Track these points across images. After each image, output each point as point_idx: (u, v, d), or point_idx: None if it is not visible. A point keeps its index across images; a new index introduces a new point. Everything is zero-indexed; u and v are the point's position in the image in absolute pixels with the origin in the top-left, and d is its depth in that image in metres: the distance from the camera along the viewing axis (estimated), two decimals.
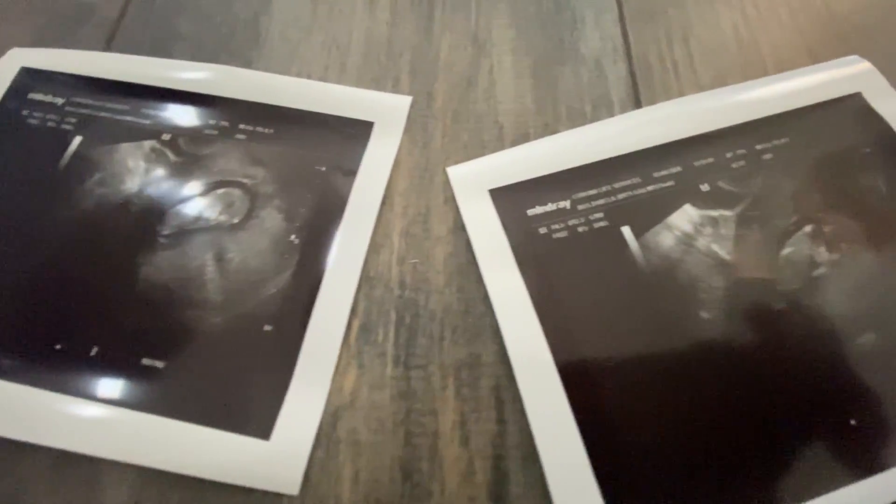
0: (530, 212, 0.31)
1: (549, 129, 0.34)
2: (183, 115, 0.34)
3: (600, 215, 0.30)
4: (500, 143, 0.33)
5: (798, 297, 0.28)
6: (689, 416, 0.26)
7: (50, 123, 0.33)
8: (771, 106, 0.34)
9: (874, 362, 0.26)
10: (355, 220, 0.30)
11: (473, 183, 0.32)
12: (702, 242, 0.30)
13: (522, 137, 0.34)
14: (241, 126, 0.33)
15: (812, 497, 0.24)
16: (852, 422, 0.25)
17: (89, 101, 0.34)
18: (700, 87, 0.35)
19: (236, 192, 0.31)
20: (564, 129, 0.34)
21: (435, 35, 0.38)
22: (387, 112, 0.34)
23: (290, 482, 0.24)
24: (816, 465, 0.25)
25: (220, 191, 0.31)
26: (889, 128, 0.33)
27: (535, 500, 0.24)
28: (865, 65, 0.36)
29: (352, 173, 0.32)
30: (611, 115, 0.34)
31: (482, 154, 0.33)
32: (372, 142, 0.33)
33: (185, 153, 0.33)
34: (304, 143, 0.33)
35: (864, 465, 0.24)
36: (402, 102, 0.34)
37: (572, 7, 0.39)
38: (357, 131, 0.33)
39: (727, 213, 0.30)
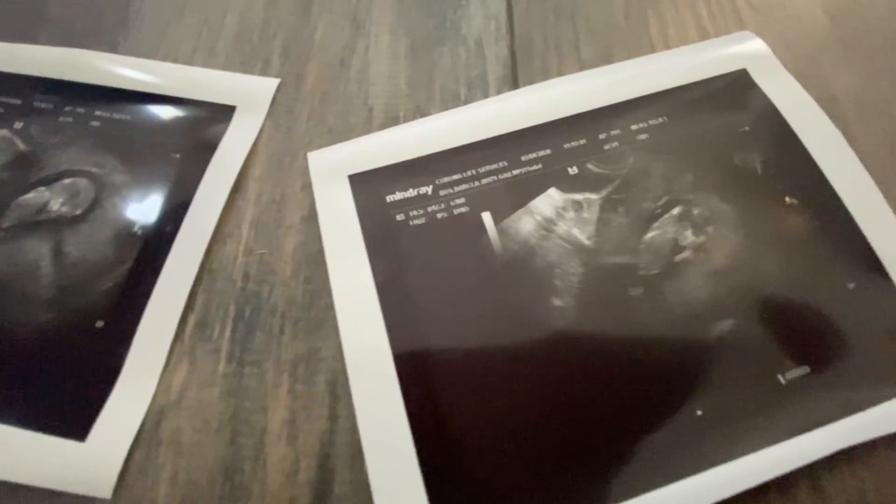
0: (389, 198, 0.29)
1: (420, 112, 0.32)
2: (38, 103, 0.32)
3: (462, 201, 0.29)
4: (368, 127, 0.32)
5: (657, 282, 0.27)
6: (531, 411, 0.24)
7: None
8: (652, 84, 0.33)
9: (728, 350, 0.25)
10: (201, 210, 0.29)
11: (333, 168, 0.30)
12: (562, 227, 0.28)
13: (392, 121, 0.32)
14: (98, 113, 0.32)
15: (652, 489, 0.23)
16: (698, 412, 0.24)
17: None
18: (582, 67, 0.34)
19: (82, 181, 0.30)
20: (437, 111, 0.32)
21: (313, 15, 0.36)
22: (250, 96, 0.33)
23: (102, 485, 0.23)
24: (660, 457, 0.23)
25: (66, 181, 0.30)
26: (772, 106, 0.32)
27: (358, 500, 0.23)
28: (756, 42, 0.34)
29: (206, 160, 0.30)
30: (486, 96, 0.33)
31: (348, 138, 0.32)
32: (231, 127, 0.31)
33: (35, 142, 0.31)
34: (161, 130, 0.31)
35: (707, 456, 0.23)
36: (268, 85, 0.33)
37: None
38: (217, 116, 0.32)
39: (592, 196, 0.29)
